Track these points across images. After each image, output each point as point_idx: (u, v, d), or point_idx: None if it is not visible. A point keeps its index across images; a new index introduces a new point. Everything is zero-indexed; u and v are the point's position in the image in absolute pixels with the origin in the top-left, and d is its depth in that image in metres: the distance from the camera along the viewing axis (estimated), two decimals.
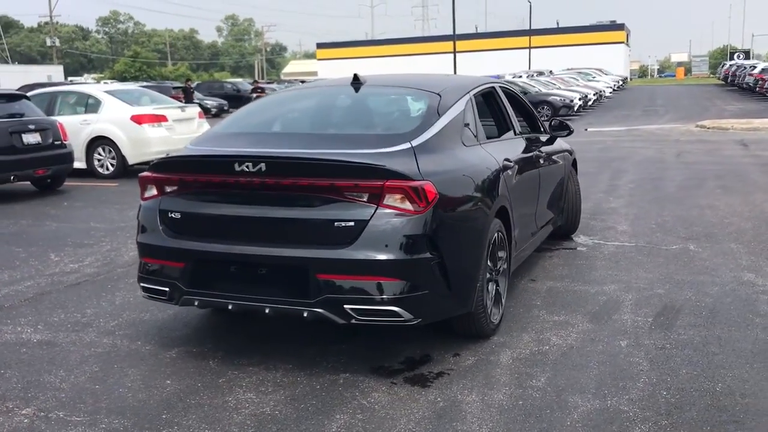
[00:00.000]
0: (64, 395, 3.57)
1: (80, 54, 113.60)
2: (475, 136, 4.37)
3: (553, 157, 6.00)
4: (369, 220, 3.45)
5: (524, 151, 5.12)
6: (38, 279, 5.78)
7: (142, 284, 3.94)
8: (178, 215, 3.78)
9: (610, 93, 40.65)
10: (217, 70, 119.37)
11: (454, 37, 38.62)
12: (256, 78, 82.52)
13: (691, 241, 6.60)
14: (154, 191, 3.89)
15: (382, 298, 3.45)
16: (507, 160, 4.53)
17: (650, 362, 3.84)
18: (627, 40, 71.08)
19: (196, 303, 3.76)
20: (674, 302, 4.84)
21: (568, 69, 46.63)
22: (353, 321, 3.52)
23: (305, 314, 3.54)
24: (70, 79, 57.87)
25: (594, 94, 31.42)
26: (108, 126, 11.83)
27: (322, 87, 5.42)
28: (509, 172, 4.54)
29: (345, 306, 3.46)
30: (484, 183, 4.12)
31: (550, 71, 44.06)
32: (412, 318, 3.53)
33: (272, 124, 4.47)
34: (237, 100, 34.19)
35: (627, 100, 37.10)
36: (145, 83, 35.45)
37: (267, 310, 3.59)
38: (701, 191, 9.32)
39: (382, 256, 3.43)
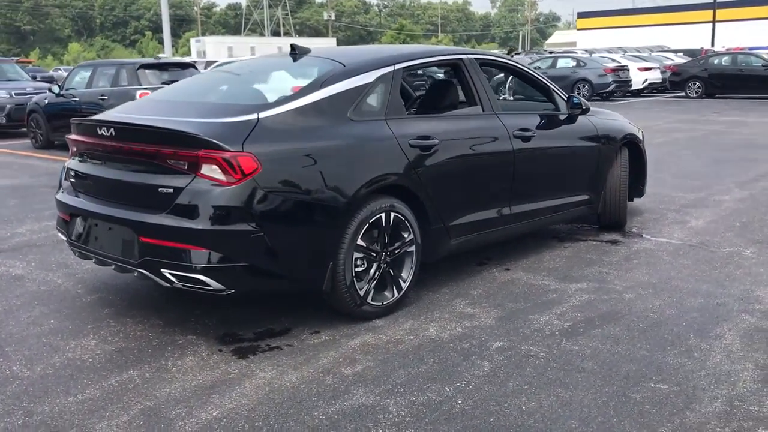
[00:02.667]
0: None
1: (360, 27, 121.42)
2: (379, 111, 4.16)
3: (568, 136, 5.42)
4: (184, 188, 3.52)
5: (482, 129, 4.72)
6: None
7: (57, 230, 4.41)
8: (72, 173, 4.16)
9: None
10: (487, 42, 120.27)
11: (714, 5, 34.88)
12: (519, 49, 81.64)
13: (757, 245, 5.56)
14: (71, 151, 4.32)
15: (192, 266, 3.51)
16: (423, 137, 4.24)
17: (490, 367, 3.44)
18: None
19: (77, 254, 4.14)
20: (621, 310, 4.20)
21: None
22: (175, 285, 3.64)
23: (135, 274, 3.75)
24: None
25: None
26: None
27: (266, 57, 5.47)
28: (427, 150, 4.24)
29: (162, 270, 3.59)
30: (361, 160, 3.92)
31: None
32: (223, 288, 3.56)
33: (184, 92, 4.65)
34: None
35: None
36: None
37: (113, 267, 3.85)
38: None
39: (191, 225, 3.48)
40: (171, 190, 3.55)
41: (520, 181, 4.96)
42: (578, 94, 22.79)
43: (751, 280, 4.70)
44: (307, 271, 3.77)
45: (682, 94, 24.24)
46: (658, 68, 25.72)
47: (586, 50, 35.05)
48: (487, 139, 4.73)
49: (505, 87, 7.80)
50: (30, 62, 54.99)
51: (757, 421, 2.93)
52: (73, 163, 4.17)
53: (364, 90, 4.10)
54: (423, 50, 4.79)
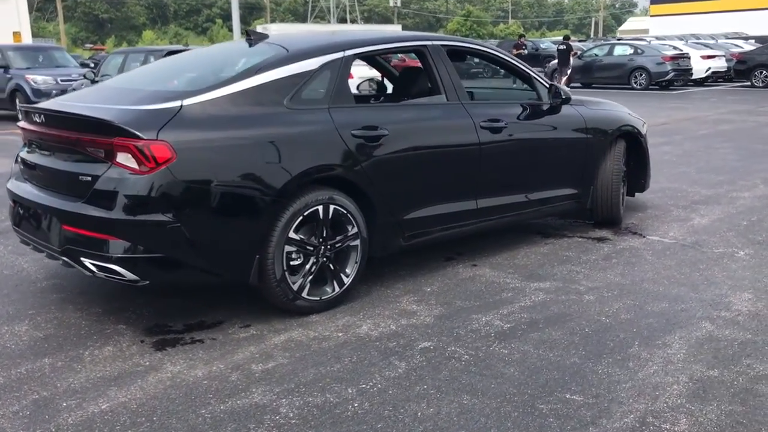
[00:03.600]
0: None
1: (429, 14, 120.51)
2: (322, 100, 4.02)
3: (550, 127, 5.16)
4: (100, 176, 3.48)
5: (444, 119, 4.52)
6: None
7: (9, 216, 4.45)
8: (19, 160, 4.19)
9: None
10: (560, 29, 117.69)
11: None
12: (593, 35, 79.58)
13: (755, 246, 5.18)
14: (22, 138, 4.34)
15: (108, 256, 3.47)
16: (369, 128, 4.08)
17: (405, 369, 3.28)
18: None
19: (20, 240, 4.16)
20: (573, 312, 3.96)
21: None
22: (97, 275, 3.61)
23: (60, 262, 3.74)
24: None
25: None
26: None
27: (225, 44, 5.37)
28: (374, 141, 4.09)
29: (81, 259, 3.56)
30: (294, 150, 3.80)
31: None
32: (137, 279, 3.50)
33: (132, 79, 4.59)
34: (534, 59, 33.58)
35: None
36: None
37: (44, 254, 3.86)
38: None
39: (105, 214, 3.43)
40: (89, 178, 3.52)
41: (488, 175, 4.74)
42: (635, 83, 22.08)
43: (730, 284, 4.38)
44: (230, 265, 3.68)
45: (748, 83, 23.07)
46: (723, 56, 24.53)
47: (656, 37, 33.79)
48: (449, 130, 4.53)
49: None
50: (103, 49, 56.88)
51: None
52: (22, 152, 4.19)
53: (305, 77, 3.97)
54: (381, 37, 4.62)
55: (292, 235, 3.78)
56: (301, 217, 3.80)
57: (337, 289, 4.02)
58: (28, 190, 3.95)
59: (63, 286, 4.48)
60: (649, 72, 22.17)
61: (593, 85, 23.62)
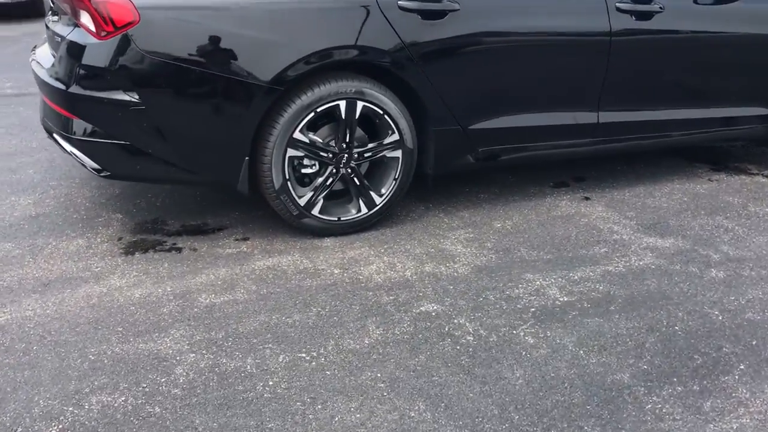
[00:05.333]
0: None
1: None
2: None
3: (739, 18, 3.61)
4: (64, 38, 2.86)
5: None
6: None
7: None
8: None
9: None
10: None
11: None
12: None
13: None
14: None
15: (68, 137, 2.88)
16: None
17: (369, 341, 2.40)
18: None
19: None
20: (667, 293, 2.72)
21: None
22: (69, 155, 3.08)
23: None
24: None
25: None
26: None
27: None
28: (436, 17, 3.00)
29: (55, 135, 3.05)
30: (306, 23, 2.85)
31: None
32: (98, 168, 2.90)
33: None
34: None
35: None
36: None
37: None
38: None
39: (61, 86, 2.83)
40: (59, 39, 2.92)
41: (621, 78, 3.42)
42: None
43: None
44: (209, 164, 2.95)
45: None
46: None
47: None
48: (558, 9, 3.26)
49: None
50: None
51: None
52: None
53: None
54: None
55: (298, 135, 2.93)
56: (312, 113, 2.91)
57: (364, 210, 3.14)
58: (36, 59, 3.46)
59: None
60: None
61: None
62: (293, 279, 2.79)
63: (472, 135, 3.23)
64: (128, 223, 3.26)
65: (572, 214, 3.42)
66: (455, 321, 2.51)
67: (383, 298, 2.65)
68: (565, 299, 2.66)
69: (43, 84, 3.02)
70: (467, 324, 2.49)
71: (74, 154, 2.91)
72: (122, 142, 2.83)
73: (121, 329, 2.44)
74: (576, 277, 2.83)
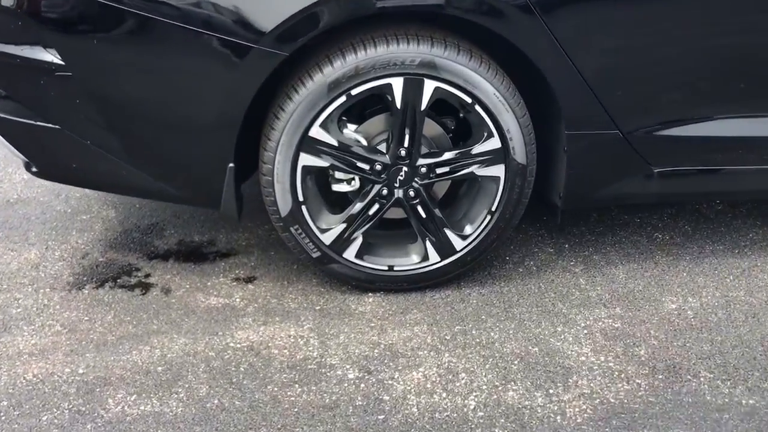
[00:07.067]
0: None
1: None
2: None
3: None
4: None
5: None
6: None
7: None
8: None
9: None
10: None
11: None
12: None
13: None
14: None
15: None
16: None
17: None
18: None
19: None
20: None
21: None
22: None
23: None
24: None
25: None
26: None
27: None
28: None
29: None
30: None
31: None
32: (27, 161, 1.92)
33: None
34: None
35: None
36: None
37: None
38: None
39: None
40: None
41: None
42: None
43: None
44: (172, 170, 1.84)
45: None
46: None
47: None
48: None
49: None
50: None
51: None
52: None
53: None
54: None
55: (317, 132, 1.72)
56: (343, 98, 1.69)
57: (433, 258, 1.89)
58: None
59: None
60: None
61: None
62: (275, 379, 1.65)
63: (641, 145, 1.82)
64: (113, 229, 2.29)
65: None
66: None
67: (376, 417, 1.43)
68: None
69: None
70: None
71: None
72: (51, 126, 1.80)
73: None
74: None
